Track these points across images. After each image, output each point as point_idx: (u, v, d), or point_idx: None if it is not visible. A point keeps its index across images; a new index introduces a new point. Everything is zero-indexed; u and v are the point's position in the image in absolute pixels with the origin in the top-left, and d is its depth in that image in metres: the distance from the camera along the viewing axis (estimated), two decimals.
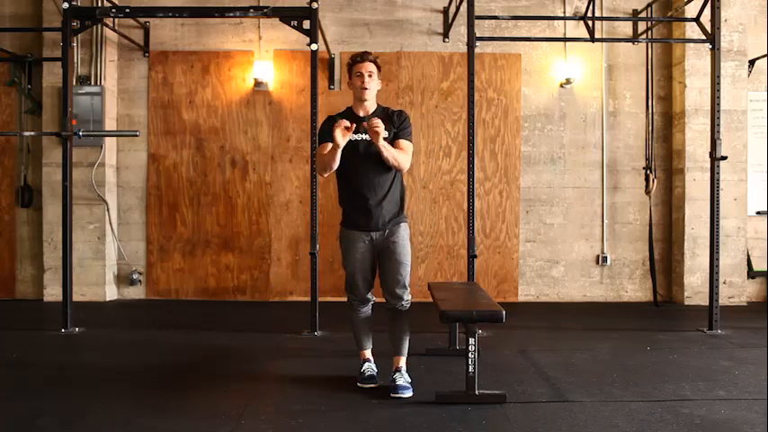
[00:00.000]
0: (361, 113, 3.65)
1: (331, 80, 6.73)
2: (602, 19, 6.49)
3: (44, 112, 6.54)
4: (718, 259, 5.27)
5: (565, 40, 6.63)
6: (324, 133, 3.65)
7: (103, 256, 6.55)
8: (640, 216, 6.81)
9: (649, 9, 6.59)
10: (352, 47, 6.56)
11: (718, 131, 5.25)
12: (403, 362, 3.69)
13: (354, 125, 3.49)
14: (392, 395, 3.47)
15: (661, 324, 5.71)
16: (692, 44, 6.37)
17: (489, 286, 6.64)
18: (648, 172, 6.66)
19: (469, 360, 3.37)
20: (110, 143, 6.64)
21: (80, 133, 5.34)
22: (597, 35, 6.18)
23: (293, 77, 6.75)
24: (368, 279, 3.71)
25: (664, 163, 6.82)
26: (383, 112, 3.67)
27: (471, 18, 5.05)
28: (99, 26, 6.32)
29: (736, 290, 6.54)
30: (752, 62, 6.70)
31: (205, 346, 4.76)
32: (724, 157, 5.25)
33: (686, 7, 6.17)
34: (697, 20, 5.54)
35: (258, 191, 6.76)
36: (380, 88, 3.75)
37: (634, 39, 6.54)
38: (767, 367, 4.00)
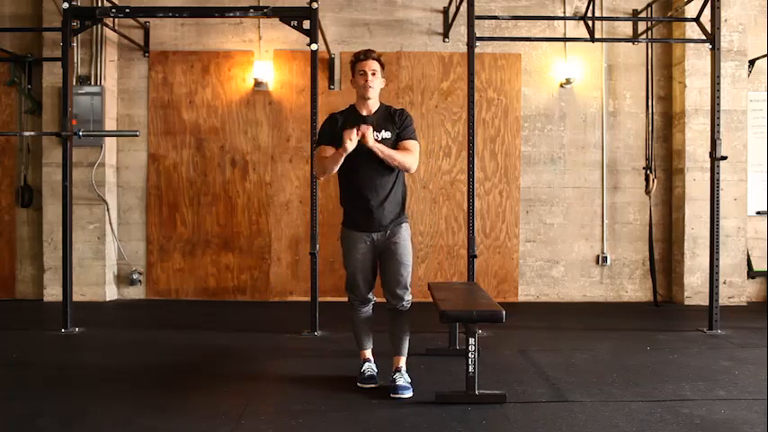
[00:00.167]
0: (364, 112, 3.63)
1: (331, 80, 6.73)
2: (602, 19, 6.49)
3: (44, 112, 6.54)
4: (718, 259, 5.27)
5: (565, 40, 6.63)
6: (324, 134, 3.63)
7: (103, 256, 6.55)
8: (640, 216, 6.81)
9: (649, 9, 6.59)
10: (352, 47, 6.55)
11: (718, 131, 5.25)
12: (403, 362, 3.68)
13: (362, 134, 3.42)
14: (392, 395, 3.47)
15: (661, 324, 5.71)
16: (692, 44, 6.37)
17: (489, 286, 6.64)
18: (648, 172, 6.66)
19: (469, 360, 3.37)
20: (110, 143, 6.64)
21: (80, 133, 5.34)
22: (597, 35, 6.18)
23: (293, 77, 6.75)
24: (369, 279, 3.71)
25: (664, 163, 6.82)
26: (385, 111, 3.65)
27: (471, 18, 5.05)
28: (99, 26, 6.32)
29: (736, 290, 6.54)
30: (752, 62, 6.70)
31: (205, 346, 4.76)
32: (724, 157, 5.25)
33: (686, 7, 6.17)
34: (697, 20, 5.54)
35: (258, 191, 6.76)
36: (383, 87, 3.71)
37: (634, 39, 6.54)
38: (767, 367, 4.00)
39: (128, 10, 5.48)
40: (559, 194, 6.83)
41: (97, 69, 6.53)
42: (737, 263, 6.55)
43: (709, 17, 5.32)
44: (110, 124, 6.61)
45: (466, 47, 5.15)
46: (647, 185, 6.69)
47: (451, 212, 6.77)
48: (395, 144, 3.58)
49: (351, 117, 3.63)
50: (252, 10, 5.34)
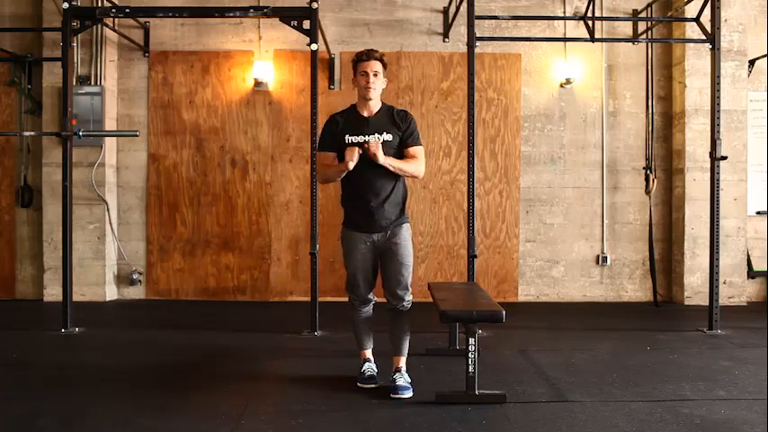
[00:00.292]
0: (365, 113, 3.63)
1: (331, 80, 6.73)
2: (602, 19, 6.49)
3: (44, 112, 6.54)
4: (718, 259, 5.27)
5: (565, 40, 6.63)
6: (325, 140, 3.63)
7: (103, 256, 6.55)
8: (640, 216, 6.81)
9: (649, 9, 6.59)
10: (353, 47, 6.56)
11: (718, 131, 5.25)
12: (403, 362, 3.68)
13: (373, 153, 3.44)
14: (392, 395, 3.47)
15: (661, 324, 5.71)
16: (692, 44, 6.37)
17: (489, 286, 6.64)
18: (648, 172, 6.66)
19: (469, 360, 3.37)
20: (110, 143, 6.64)
21: (80, 133, 5.34)
22: (597, 35, 6.18)
23: (293, 77, 6.75)
24: (369, 280, 3.71)
25: (664, 163, 6.82)
26: (387, 111, 3.64)
27: (471, 18, 5.05)
28: (99, 26, 6.32)
29: (736, 290, 6.54)
30: (752, 62, 6.70)
31: (205, 346, 4.76)
32: (724, 157, 5.25)
33: (686, 7, 6.17)
34: (697, 20, 5.54)
35: (258, 191, 6.76)
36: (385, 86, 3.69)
37: (634, 39, 6.54)
38: (767, 367, 4.00)
39: (128, 10, 5.48)
40: (559, 194, 6.83)
41: (97, 69, 6.53)
42: (737, 263, 6.55)
43: (709, 17, 5.32)
44: (110, 124, 6.61)
45: (466, 47, 5.15)
46: (647, 185, 6.69)
47: (451, 212, 6.77)
48: (398, 147, 3.58)
49: (351, 117, 3.63)
50: (252, 10, 5.34)
